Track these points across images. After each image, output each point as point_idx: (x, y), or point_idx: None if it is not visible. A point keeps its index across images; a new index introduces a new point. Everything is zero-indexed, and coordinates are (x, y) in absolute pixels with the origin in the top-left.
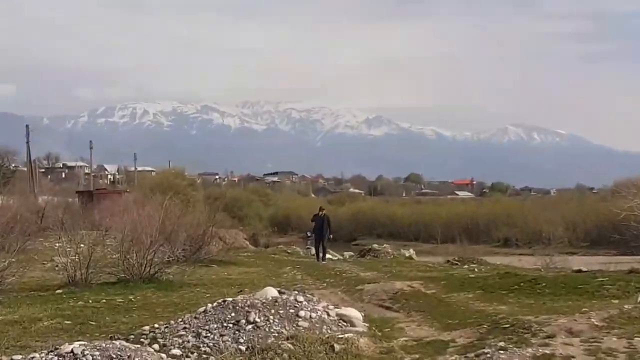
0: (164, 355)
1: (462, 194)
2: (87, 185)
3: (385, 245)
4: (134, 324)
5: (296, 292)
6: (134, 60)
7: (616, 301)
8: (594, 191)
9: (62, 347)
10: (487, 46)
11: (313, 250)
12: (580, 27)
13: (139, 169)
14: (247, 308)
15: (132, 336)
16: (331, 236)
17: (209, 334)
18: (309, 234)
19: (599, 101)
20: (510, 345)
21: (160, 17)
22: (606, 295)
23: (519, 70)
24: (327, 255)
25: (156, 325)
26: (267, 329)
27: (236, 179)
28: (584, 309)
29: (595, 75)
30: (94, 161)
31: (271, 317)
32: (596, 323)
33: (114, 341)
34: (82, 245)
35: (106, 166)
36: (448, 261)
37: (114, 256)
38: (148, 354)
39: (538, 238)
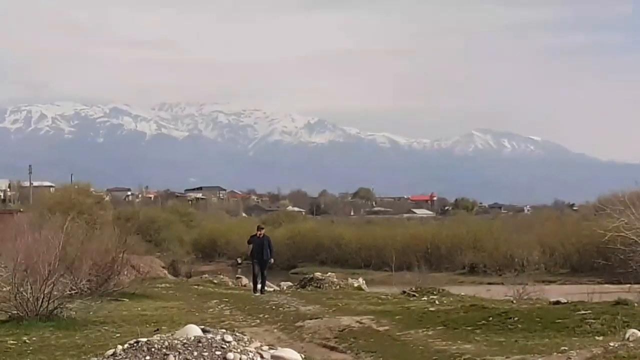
0: None
1: (421, 212)
2: None
3: (330, 273)
4: None
5: (224, 330)
6: (27, 53)
7: (600, 338)
8: (574, 208)
9: None
10: (448, 39)
11: (244, 280)
12: (556, 14)
13: (35, 184)
14: (164, 350)
15: None
16: (272, 261)
17: None
18: (239, 261)
19: (578, 103)
20: None
21: (57, 1)
22: (589, 332)
23: (486, 68)
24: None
25: None
26: None
27: (152, 196)
28: (562, 348)
29: (574, 73)
30: None
31: None
32: None
33: None
34: None
35: None
36: (404, 292)
37: (5, 289)
38: None
39: (510, 264)
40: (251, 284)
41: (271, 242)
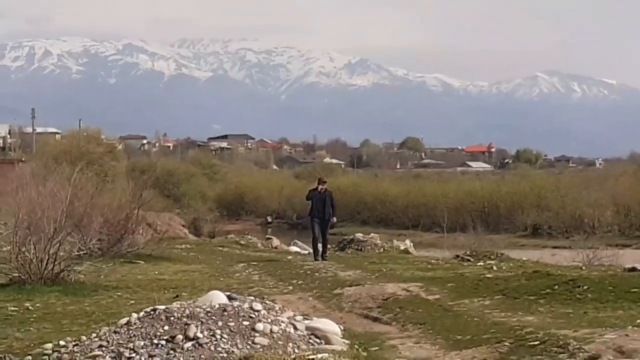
0: None
1: (477, 165)
2: None
3: (372, 234)
4: (32, 340)
5: (252, 298)
6: None
7: None
8: None
9: None
10: None
11: (275, 241)
12: None
13: (39, 130)
14: (185, 319)
15: (29, 357)
16: (334, 220)
17: (133, 354)
18: (269, 220)
19: None
20: None
21: None
22: None
23: None
24: (295, 249)
25: (62, 343)
26: (212, 348)
27: (171, 145)
28: (639, 321)
29: None
30: None
31: (218, 331)
32: None
33: None
34: None
35: None
36: (457, 256)
37: (5, 249)
38: None
39: (578, 225)
40: (310, 249)
41: (333, 199)
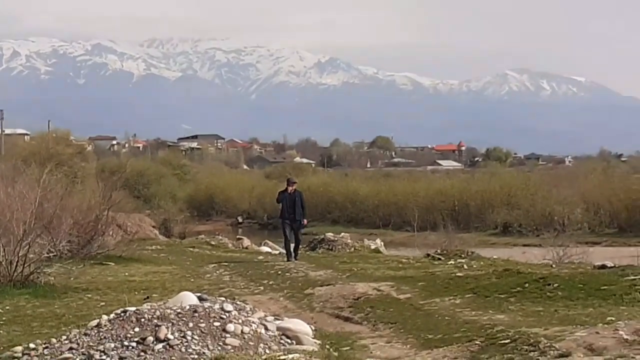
0: None
1: (447, 164)
2: None
3: (343, 234)
4: (2, 343)
5: (223, 298)
6: None
7: None
8: (622, 159)
9: None
10: None
11: (246, 242)
12: None
13: (7, 131)
14: (156, 321)
15: None
16: (305, 222)
17: (104, 356)
18: (240, 220)
19: (629, 39)
20: None
21: None
22: (638, 300)
23: None
24: (266, 249)
25: (32, 345)
26: (183, 349)
27: (140, 146)
28: (608, 318)
29: (626, 2)
30: None
31: (189, 332)
32: (625, 337)
33: None
34: None
35: None
36: (428, 255)
37: None
38: None
39: (548, 223)
40: (283, 250)
41: (303, 199)
